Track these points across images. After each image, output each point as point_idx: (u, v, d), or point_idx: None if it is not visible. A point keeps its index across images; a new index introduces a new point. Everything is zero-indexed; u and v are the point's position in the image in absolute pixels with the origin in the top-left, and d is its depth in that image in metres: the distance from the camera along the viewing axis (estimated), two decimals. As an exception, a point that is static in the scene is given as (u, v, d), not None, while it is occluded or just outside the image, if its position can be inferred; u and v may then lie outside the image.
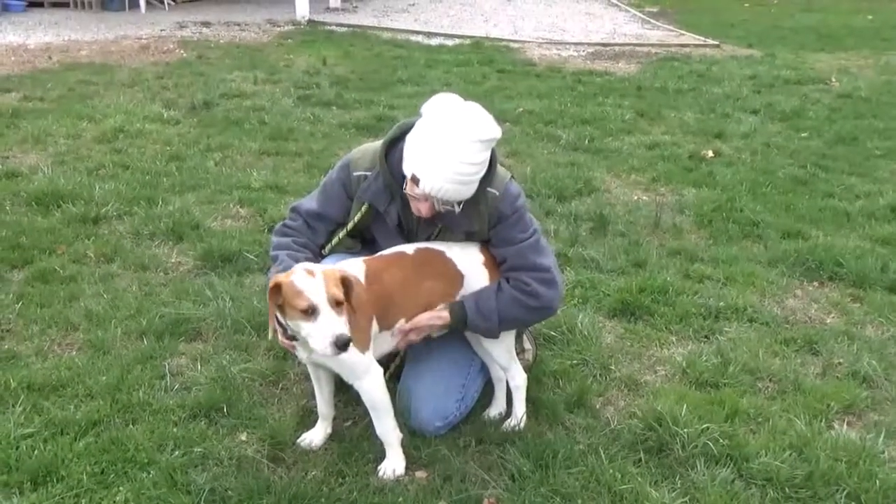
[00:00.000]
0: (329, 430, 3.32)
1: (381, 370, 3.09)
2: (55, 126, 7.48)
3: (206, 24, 14.46)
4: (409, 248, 3.25)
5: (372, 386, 3.05)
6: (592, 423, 3.43)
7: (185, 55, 11.42)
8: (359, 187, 3.31)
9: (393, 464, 3.12)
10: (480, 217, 3.21)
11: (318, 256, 3.38)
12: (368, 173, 3.28)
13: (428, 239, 3.34)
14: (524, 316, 3.27)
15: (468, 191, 3.06)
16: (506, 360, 3.39)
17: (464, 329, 3.24)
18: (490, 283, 3.27)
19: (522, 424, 3.39)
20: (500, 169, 3.24)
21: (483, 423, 3.41)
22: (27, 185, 5.86)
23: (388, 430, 3.12)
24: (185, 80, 9.65)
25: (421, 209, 3.15)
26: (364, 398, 3.10)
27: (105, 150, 6.87)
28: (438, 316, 3.20)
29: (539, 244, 3.28)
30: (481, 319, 3.18)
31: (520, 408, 3.42)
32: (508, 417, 3.44)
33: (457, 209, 3.10)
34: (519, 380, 3.42)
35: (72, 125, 7.53)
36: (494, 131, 2.99)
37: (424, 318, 3.18)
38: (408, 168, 3.07)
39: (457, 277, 3.27)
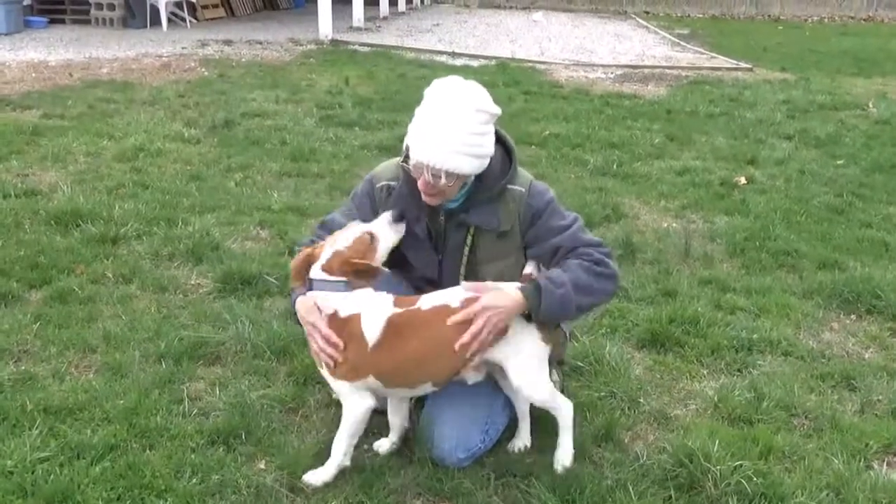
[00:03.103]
0: (395, 440, 3.32)
1: (364, 404, 3.08)
2: (75, 144, 7.50)
3: (228, 42, 14.56)
4: (454, 300, 3.05)
5: (347, 412, 3.10)
6: (621, 458, 3.33)
7: (206, 73, 11.49)
8: (384, 198, 3.29)
9: (320, 475, 3.13)
10: (509, 215, 3.19)
11: None
12: (392, 183, 3.28)
13: (459, 246, 3.25)
14: (595, 283, 3.11)
15: (457, 161, 3.01)
16: (548, 396, 3.18)
17: (537, 311, 3.04)
18: (537, 336, 3.12)
19: (569, 463, 3.24)
20: (521, 170, 3.26)
21: (507, 455, 3.31)
22: (46, 204, 5.85)
23: (340, 450, 3.14)
24: (206, 99, 9.68)
25: (420, 185, 3.11)
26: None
27: (125, 169, 6.87)
28: (512, 299, 3.01)
29: (584, 227, 3.26)
30: (554, 287, 3.02)
31: (567, 446, 3.25)
32: (531, 449, 3.32)
33: (443, 179, 3.02)
34: (565, 411, 3.23)
35: (92, 143, 7.54)
36: (486, 102, 3.03)
37: (486, 314, 2.96)
38: (406, 142, 3.10)
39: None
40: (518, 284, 3.12)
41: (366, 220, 3.26)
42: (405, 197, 3.24)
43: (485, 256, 3.25)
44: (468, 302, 3.00)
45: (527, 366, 3.12)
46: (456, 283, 3.19)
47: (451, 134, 2.98)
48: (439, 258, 3.30)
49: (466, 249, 3.25)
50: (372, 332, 2.99)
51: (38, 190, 6.21)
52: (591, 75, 12.61)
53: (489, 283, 3.11)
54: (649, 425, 3.61)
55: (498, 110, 3.05)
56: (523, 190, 3.21)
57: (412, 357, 3.02)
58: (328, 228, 3.33)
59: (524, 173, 3.28)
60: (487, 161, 3.11)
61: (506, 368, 3.12)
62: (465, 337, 2.96)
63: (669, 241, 5.67)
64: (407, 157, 3.14)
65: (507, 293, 3.03)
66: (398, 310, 3.05)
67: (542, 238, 3.21)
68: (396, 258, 3.36)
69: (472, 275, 3.24)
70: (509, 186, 3.20)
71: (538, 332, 3.11)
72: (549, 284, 3.03)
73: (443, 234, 3.29)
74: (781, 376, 4.00)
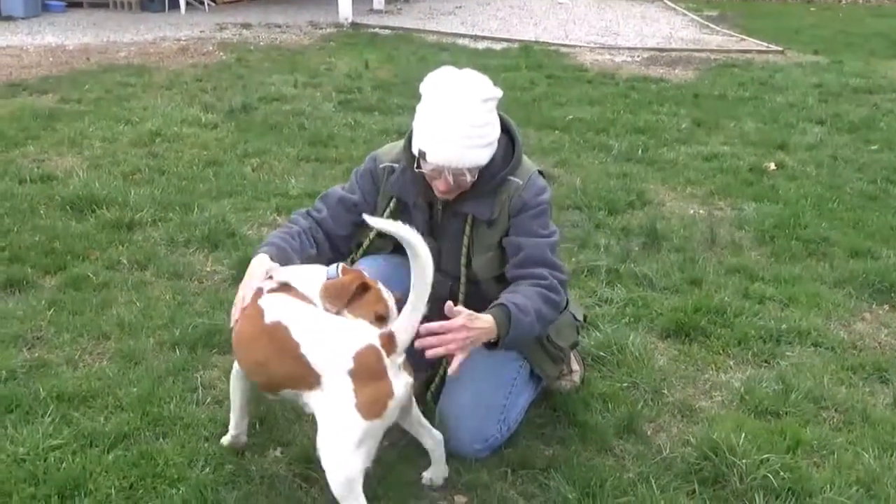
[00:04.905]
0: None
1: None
2: (91, 129, 7.47)
3: (247, 25, 14.48)
4: (274, 314, 2.76)
5: None
6: (643, 451, 3.27)
7: (224, 57, 11.42)
8: (385, 180, 3.28)
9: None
10: (500, 205, 3.15)
11: (334, 251, 3.31)
12: (395, 165, 3.26)
13: (457, 235, 3.20)
14: (546, 310, 3.05)
15: (476, 155, 2.99)
16: (342, 483, 2.59)
17: (505, 338, 2.94)
18: (352, 403, 2.58)
19: None
20: (526, 161, 3.23)
21: (526, 447, 3.24)
22: (62, 189, 5.83)
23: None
24: (224, 83, 9.63)
25: (439, 186, 3.07)
26: None
27: (141, 154, 6.84)
28: (482, 328, 2.88)
29: (557, 247, 3.20)
30: (523, 315, 2.95)
31: None
32: (550, 441, 3.23)
33: (468, 177, 3.02)
34: None
35: (108, 128, 7.51)
36: (490, 89, 2.99)
37: (464, 332, 2.81)
38: (415, 146, 3.04)
39: (308, 375, 2.66)
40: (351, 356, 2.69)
41: (367, 195, 3.29)
42: (408, 183, 3.22)
43: (479, 247, 3.21)
44: (274, 324, 2.74)
45: (331, 429, 2.63)
46: (455, 272, 3.21)
47: (465, 132, 2.94)
48: (438, 247, 3.22)
49: (466, 239, 3.21)
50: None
51: (53, 175, 6.19)
52: (617, 58, 12.42)
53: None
54: (673, 417, 3.54)
55: (500, 93, 3.04)
56: (521, 182, 3.16)
57: (241, 327, 2.88)
58: (326, 200, 3.35)
59: (528, 165, 3.24)
60: (497, 142, 3.09)
61: (316, 417, 2.70)
62: (433, 339, 2.75)
63: (695, 229, 5.56)
64: (419, 162, 3.06)
65: (481, 317, 2.90)
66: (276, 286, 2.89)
67: (516, 233, 3.16)
68: (398, 245, 3.33)
69: (468, 265, 3.23)
70: (509, 178, 3.16)
71: (356, 399, 2.57)
72: (518, 311, 2.95)
73: (439, 223, 3.26)
74: (810, 368, 3.90)
